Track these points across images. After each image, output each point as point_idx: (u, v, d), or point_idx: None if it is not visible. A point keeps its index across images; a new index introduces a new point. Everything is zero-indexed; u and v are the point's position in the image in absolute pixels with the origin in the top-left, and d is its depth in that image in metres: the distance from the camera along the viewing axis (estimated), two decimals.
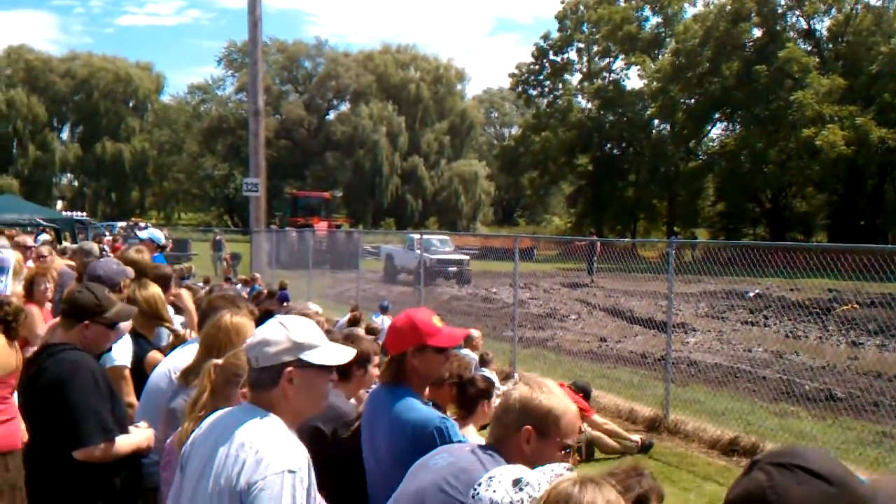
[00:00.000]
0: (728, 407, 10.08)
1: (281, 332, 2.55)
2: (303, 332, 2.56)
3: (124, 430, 3.84)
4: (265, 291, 15.06)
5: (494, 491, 2.25)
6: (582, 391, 8.79)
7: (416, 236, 28.37)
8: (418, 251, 26.89)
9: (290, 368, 2.51)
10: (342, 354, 2.61)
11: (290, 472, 2.37)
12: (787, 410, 10.24)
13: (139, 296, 5.21)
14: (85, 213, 44.98)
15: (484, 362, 10.36)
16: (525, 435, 2.61)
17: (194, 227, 65.34)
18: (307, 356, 2.52)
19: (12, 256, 7.71)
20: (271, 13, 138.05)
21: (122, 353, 4.75)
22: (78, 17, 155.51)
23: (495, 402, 5.53)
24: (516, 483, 2.25)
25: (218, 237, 34.63)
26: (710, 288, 19.18)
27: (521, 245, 16.95)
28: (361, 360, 4.26)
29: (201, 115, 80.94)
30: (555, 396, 2.65)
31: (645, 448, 8.78)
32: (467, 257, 26.70)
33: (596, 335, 16.32)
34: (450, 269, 25.96)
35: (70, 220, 16.64)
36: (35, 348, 4.57)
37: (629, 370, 12.69)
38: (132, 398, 4.69)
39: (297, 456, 2.43)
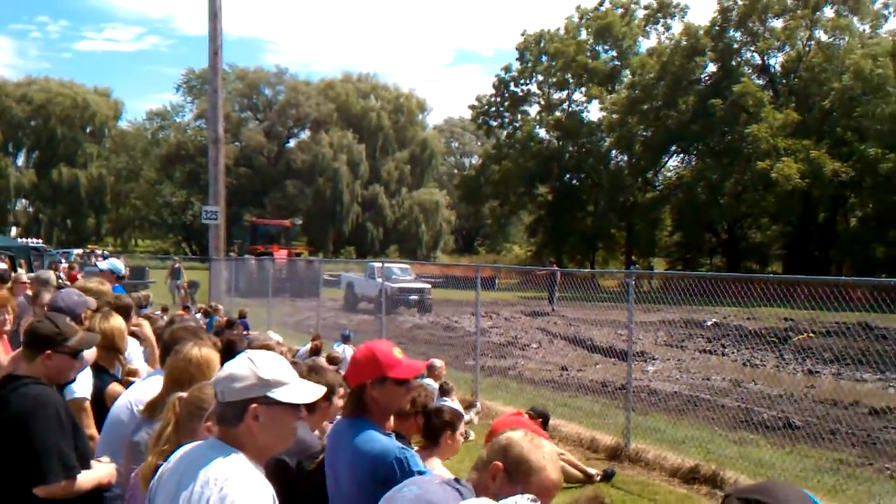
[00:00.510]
0: (688, 435, 10.15)
1: (248, 367, 2.51)
2: (271, 369, 2.52)
3: (86, 465, 3.78)
4: (224, 320, 14.91)
5: None
6: (540, 416, 8.77)
7: (377, 265, 28.33)
8: (379, 280, 26.92)
9: (254, 405, 2.47)
10: (310, 393, 2.58)
11: None
12: (747, 438, 10.34)
13: (102, 327, 5.14)
14: (40, 240, 44.24)
15: (444, 392, 10.34)
16: (493, 470, 2.61)
17: (152, 255, 64.59)
18: (274, 393, 2.49)
19: None
20: (232, 40, 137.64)
21: (82, 385, 4.67)
22: (35, 42, 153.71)
23: (461, 433, 5.55)
24: None
25: (177, 265, 34.26)
26: (669, 317, 19.34)
27: (483, 274, 17.00)
28: (326, 392, 4.24)
29: (160, 141, 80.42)
30: (541, 452, 2.65)
31: (607, 477, 8.80)
32: (428, 286, 26.75)
33: (557, 364, 16.36)
34: (411, 297, 25.97)
35: (25, 247, 16.34)
36: None
37: (590, 399, 12.74)
38: (93, 430, 4.61)
39: (262, 495, 2.40)
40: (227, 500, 2.34)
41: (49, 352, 3.87)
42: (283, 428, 2.54)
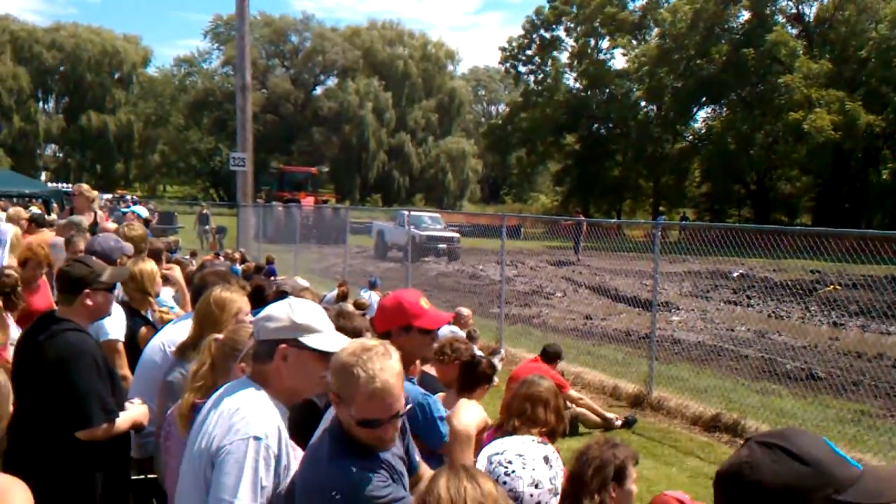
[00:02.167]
0: (710, 384, 10.22)
1: (285, 311, 2.64)
2: (306, 315, 2.64)
3: (122, 407, 3.91)
4: (252, 265, 15.06)
5: (535, 469, 2.31)
6: (554, 356, 8.79)
7: (406, 213, 28.36)
8: (408, 227, 26.99)
9: (284, 346, 2.59)
10: (337, 342, 2.65)
11: (256, 438, 2.46)
12: (769, 388, 10.39)
13: (136, 270, 5.25)
14: (70, 185, 44.65)
15: (471, 338, 10.43)
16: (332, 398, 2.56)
17: (180, 200, 65.05)
18: (304, 338, 2.60)
19: (10, 230, 7.71)
20: None
21: (115, 327, 4.78)
22: None
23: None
24: (547, 461, 2.33)
25: (204, 211, 34.52)
26: (695, 268, 19.30)
27: (509, 223, 17.03)
28: (354, 337, 4.33)
29: (187, 88, 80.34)
30: (372, 368, 2.42)
31: (628, 423, 8.91)
32: (457, 235, 26.71)
33: (581, 313, 16.42)
34: (440, 245, 26.00)
35: (58, 191, 16.56)
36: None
37: (613, 347, 12.81)
38: (126, 371, 4.74)
39: (267, 425, 2.51)
40: (233, 427, 2.49)
41: (87, 291, 3.97)
42: (309, 373, 2.63)
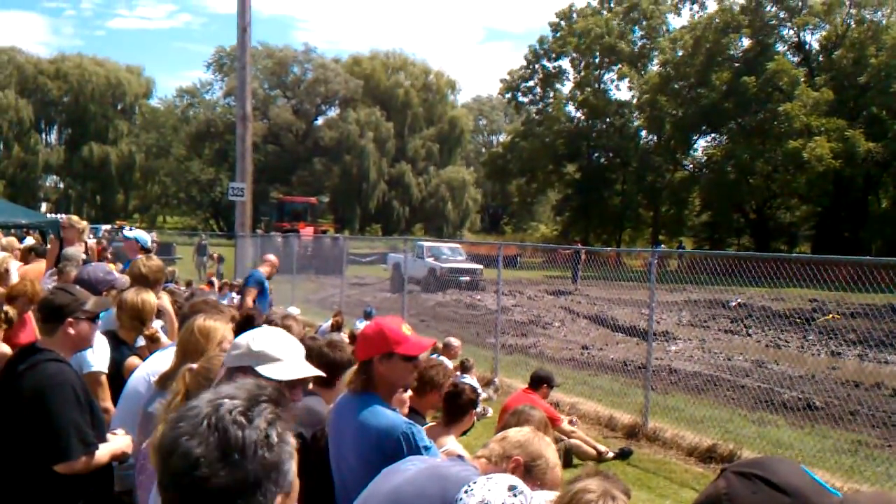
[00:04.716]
0: (707, 415, 10.14)
1: (247, 339, 2.64)
2: (264, 344, 2.62)
3: (102, 439, 3.86)
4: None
5: (489, 490, 2.30)
6: (540, 382, 8.59)
7: (427, 244, 28.21)
8: (429, 259, 26.86)
9: (240, 374, 2.53)
10: (295, 372, 2.62)
11: None
12: (766, 419, 10.32)
13: (136, 299, 5.20)
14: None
15: (465, 368, 10.40)
16: (513, 464, 2.74)
17: (179, 231, 65.12)
18: (259, 367, 2.58)
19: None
20: (262, 18, 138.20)
21: (98, 358, 4.74)
22: (68, 20, 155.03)
23: (478, 409, 5.64)
24: (511, 489, 2.31)
25: (202, 242, 34.55)
26: (693, 297, 19.26)
27: (507, 252, 17.01)
28: (344, 368, 4.30)
29: (189, 119, 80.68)
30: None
31: (624, 455, 8.83)
32: (480, 266, 26.37)
33: (578, 343, 16.37)
34: (462, 278, 25.77)
35: (55, 221, 16.56)
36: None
37: (610, 377, 12.75)
38: (108, 403, 4.69)
39: None
40: None
41: (70, 320, 3.94)
42: None
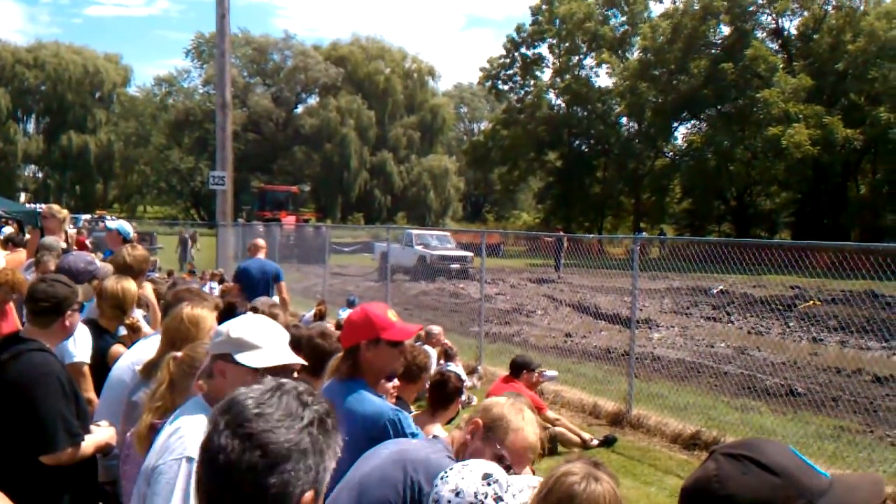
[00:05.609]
0: (690, 402, 10.19)
1: (227, 326, 2.63)
2: (244, 331, 2.59)
3: (87, 430, 3.82)
4: (230, 286, 14.90)
5: (463, 478, 2.30)
6: (519, 367, 8.57)
7: (415, 232, 28.11)
8: (418, 247, 26.81)
9: (219, 361, 2.58)
10: (272, 359, 2.58)
11: (189, 459, 2.40)
12: (749, 405, 10.38)
13: (114, 288, 5.16)
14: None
15: (448, 356, 10.38)
16: (472, 427, 2.66)
17: (160, 220, 64.73)
18: (238, 355, 2.56)
19: None
20: (241, 6, 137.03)
21: (81, 348, 4.70)
22: (45, 7, 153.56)
23: (462, 397, 5.64)
24: (486, 477, 2.30)
25: (185, 234, 34.40)
26: (675, 284, 19.35)
27: (490, 240, 17.01)
28: (332, 356, 4.27)
29: (168, 107, 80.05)
30: (521, 415, 2.72)
31: (608, 442, 8.86)
32: (470, 254, 26.39)
33: (562, 330, 16.40)
34: (452, 265, 25.76)
35: (33, 212, 16.40)
36: None
37: (593, 365, 12.78)
38: (91, 394, 4.65)
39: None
40: (169, 448, 2.48)
41: (69, 312, 3.92)
42: None
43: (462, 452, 2.62)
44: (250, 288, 10.01)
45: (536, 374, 8.69)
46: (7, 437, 3.64)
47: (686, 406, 9.94)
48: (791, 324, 16.72)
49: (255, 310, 5.27)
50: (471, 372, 11.67)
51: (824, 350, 14.42)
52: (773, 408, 10.22)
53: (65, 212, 9.27)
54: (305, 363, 2.83)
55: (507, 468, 2.55)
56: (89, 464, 3.86)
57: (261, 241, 11.77)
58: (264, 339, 2.61)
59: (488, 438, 2.64)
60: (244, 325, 2.62)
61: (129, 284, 5.30)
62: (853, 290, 14.06)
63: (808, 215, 46.58)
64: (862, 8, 45.11)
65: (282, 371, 2.48)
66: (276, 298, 9.26)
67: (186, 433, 2.47)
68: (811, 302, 17.77)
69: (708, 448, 8.53)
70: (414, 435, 3.48)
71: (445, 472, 2.36)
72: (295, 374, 2.74)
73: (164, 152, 75.18)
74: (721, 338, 15.73)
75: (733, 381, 11.75)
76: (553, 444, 8.46)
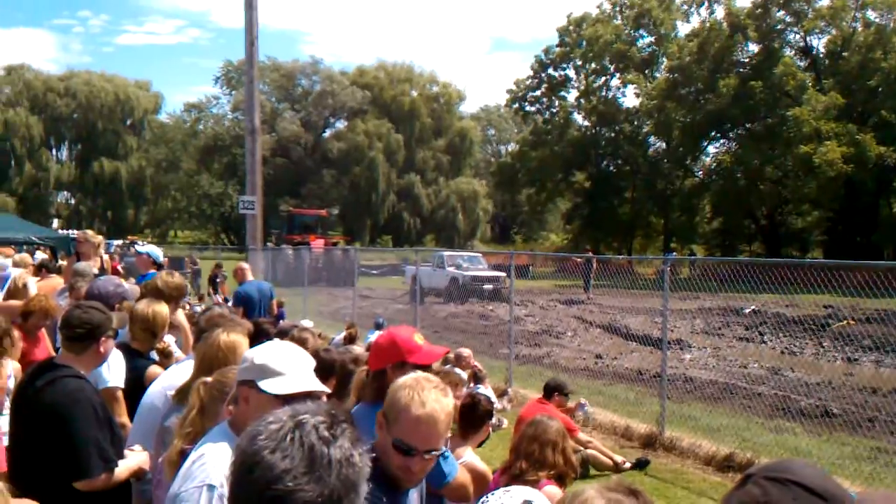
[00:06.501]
0: (724, 423, 10.06)
1: (252, 352, 2.64)
2: (268, 358, 2.59)
3: (121, 455, 3.84)
4: None
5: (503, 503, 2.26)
6: (552, 390, 8.59)
7: (446, 254, 28.06)
8: (450, 269, 26.76)
9: (244, 388, 2.59)
10: (295, 386, 2.54)
11: (210, 487, 2.42)
12: (783, 426, 10.22)
13: (148, 311, 5.18)
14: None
15: (478, 379, 10.33)
16: (378, 420, 2.63)
17: (190, 245, 65.27)
18: (261, 381, 2.55)
19: (15, 274, 7.71)
20: (269, 33, 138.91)
21: (114, 374, 4.72)
22: (77, 37, 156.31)
23: (493, 420, 5.61)
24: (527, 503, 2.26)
25: (193, 263, 34.46)
26: (707, 305, 19.16)
27: (518, 262, 16.97)
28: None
29: (198, 133, 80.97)
30: (409, 391, 2.57)
31: (641, 465, 8.77)
32: (503, 274, 26.27)
33: (592, 352, 16.29)
34: (485, 286, 25.65)
35: (66, 238, 16.63)
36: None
37: (625, 387, 12.68)
38: (125, 419, 4.66)
39: (225, 472, 2.44)
40: (190, 476, 2.49)
41: (103, 338, 3.95)
42: None
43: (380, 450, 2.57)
44: (251, 310, 10.50)
45: (574, 404, 8.68)
46: (42, 462, 3.67)
47: (719, 427, 9.82)
48: (825, 343, 16.48)
49: (283, 334, 5.29)
50: (501, 394, 11.62)
51: (859, 370, 14.20)
52: (808, 429, 10.06)
53: (99, 237, 9.37)
54: (329, 391, 2.83)
55: (413, 452, 2.50)
56: (123, 489, 3.87)
57: (245, 264, 12.07)
58: (288, 366, 2.60)
59: (388, 425, 2.57)
60: (269, 352, 2.62)
61: (161, 308, 5.32)
62: (887, 309, 13.84)
63: (840, 233, 46.04)
64: (892, 26, 44.68)
65: (305, 398, 2.46)
66: (304, 322, 9.30)
67: (209, 461, 2.48)
68: (845, 321, 17.50)
69: (742, 470, 8.41)
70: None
71: (487, 498, 2.33)
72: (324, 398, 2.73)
73: (194, 178, 75.98)
74: (754, 358, 15.54)
75: (767, 402, 11.58)
76: (585, 468, 8.39)
